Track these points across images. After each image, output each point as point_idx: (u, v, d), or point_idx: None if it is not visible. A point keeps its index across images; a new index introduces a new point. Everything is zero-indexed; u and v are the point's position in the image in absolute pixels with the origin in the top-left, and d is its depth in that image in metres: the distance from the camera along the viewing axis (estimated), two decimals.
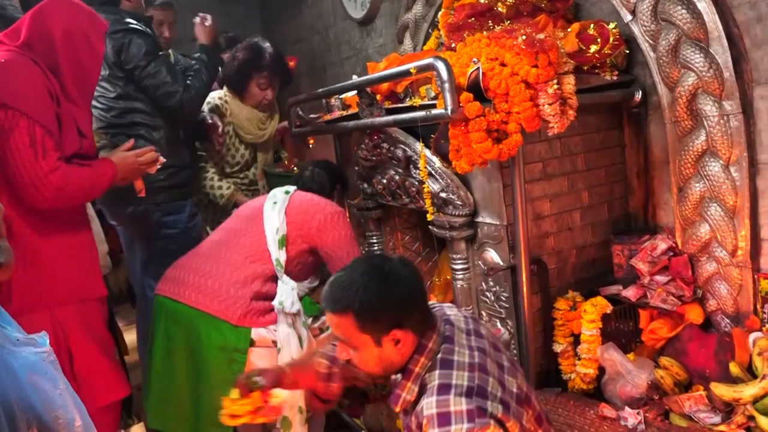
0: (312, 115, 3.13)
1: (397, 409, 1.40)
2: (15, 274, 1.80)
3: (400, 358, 1.38)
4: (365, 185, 2.83)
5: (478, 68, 1.89)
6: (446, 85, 1.86)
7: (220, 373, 1.97)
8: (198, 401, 2.05)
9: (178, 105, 2.67)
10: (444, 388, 1.29)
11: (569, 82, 1.92)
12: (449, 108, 1.87)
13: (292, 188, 2.40)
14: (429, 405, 1.27)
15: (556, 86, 1.87)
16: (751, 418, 1.70)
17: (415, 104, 2.12)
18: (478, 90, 1.91)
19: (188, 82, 2.72)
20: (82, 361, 1.87)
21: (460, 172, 2.01)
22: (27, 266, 1.83)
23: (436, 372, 1.34)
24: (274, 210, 2.20)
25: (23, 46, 1.87)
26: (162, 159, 2.22)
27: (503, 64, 1.89)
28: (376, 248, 2.98)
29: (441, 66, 1.87)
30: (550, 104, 1.87)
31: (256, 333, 2.01)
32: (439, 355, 1.37)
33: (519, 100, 1.86)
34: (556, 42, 1.91)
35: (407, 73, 2.04)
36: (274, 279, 2.15)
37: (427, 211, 2.23)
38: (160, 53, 2.70)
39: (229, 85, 3.27)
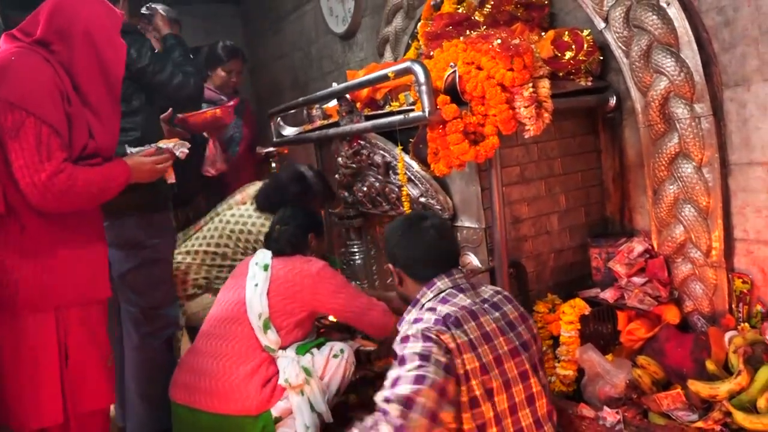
0: (294, 127, 3.15)
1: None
2: (22, 273, 1.78)
3: (408, 293, 1.75)
4: (346, 194, 2.84)
5: (455, 71, 1.92)
6: (423, 88, 1.89)
7: None
8: None
9: (194, 90, 2.60)
10: (416, 320, 1.59)
11: (544, 86, 1.95)
12: (427, 110, 1.89)
13: (268, 258, 2.29)
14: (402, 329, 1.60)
15: (531, 89, 1.90)
16: (728, 414, 1.71)
17: (393, 109, 2.14)
18: (455, 93, 1.94)
19: (188, 69, 2.60)
20: (76, 363, 1.82)
21: (438, 174, 2.03)
22: (37, 266, 1.79)
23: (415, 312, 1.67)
24: (256, 293, 2.15)
25: (37, 42, 1.81)
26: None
27: (479, 68, 1.93)
28: (357, 257, 2.98)
29: (418, 69, 1.90)
30: (525, 107, 1.90)
31: (276, 409, 2.03)
32: (428, 304, 1.65)
33: (495, 103, 1.89)
34: (531, 46, 1.95)
35: (385, 77, 2.07)
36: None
37: None
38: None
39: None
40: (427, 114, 1.89)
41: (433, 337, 1.47)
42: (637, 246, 2.16)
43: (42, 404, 1.76)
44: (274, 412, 2.02)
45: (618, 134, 2.29)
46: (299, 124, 3.14)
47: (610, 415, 1.86)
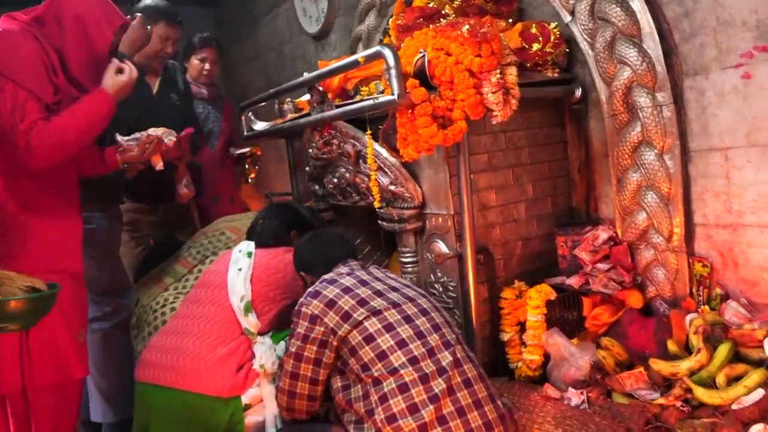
0: (266, 122, 3.15)
1: None
2: None
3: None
4: (316, 186, 2.84)
5: (424, 56, 1.95)
6: (393, 71, 1.91)
7: None
8: None
9: None
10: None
11: (512, 73, 1.99)
12: (396, 93, 1.92)
13: (252, 247, 2.30)
14: None
15: (498, 76, 1.94)
16: (689, 390, 1.74)
17: (363, 96, 2.16)
18: (424, 78, 1.97)
19: None
20: (37, 333, 1.79)
21: (407, 159, 2.05)
22: (3, 232, 1.77)
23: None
24: (239, 277, 2.14)
25: (32, 21, 1.87)
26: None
27: (448, 54, 1.96)
28: None
29: (388, 53, 1.92)
30: (493, 92, 1.93)
31: (247, 395, 2.00)
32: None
33: (463, 88, 1.91)
34: (499, 34, 1.99)
35: (356, 63, 2.09)
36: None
37: (375, 209, 2.27)
38: None
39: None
40: (396, 97, 1.91)
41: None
42: (602, 233, 2.20)
43: (2, 371, 1.73)
44: (245, 398, 1.99)
45: (584, 125, 2.34)
46: (271, 120, 3.14)
47: (574, 396, 1.89)
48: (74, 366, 1.90)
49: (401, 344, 1.62)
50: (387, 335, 1.64)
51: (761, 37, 1.75)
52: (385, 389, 1.55)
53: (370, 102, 2.06)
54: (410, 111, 1.98)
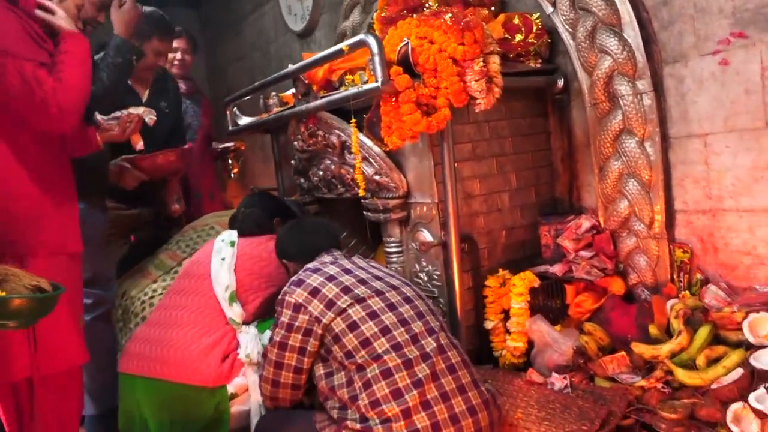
0: (251, 117, 3.15)
1: None
2: None
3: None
4: (302, 180, 2.85)
5: (407, 44, 1.97)
6: (377, 59, 1.92)
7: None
8: None
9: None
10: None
11: (495, 62, 2.00)
12: (380, 80, 1.93)
13: (234, 236, 2.31)
14: None
15: (482, 64, 1.95)
16: (669, 373, 1.76)
17: (347, 85, 2.17)
18: (407, 66, 1.98)
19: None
20: (45, 320, 1.76)
21: (392, 147, 2.06)
22: (1, 213, 1.75)
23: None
24: (223, 267, 2.15)
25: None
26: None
27: (432, 42, 1.97)
28: None
29: (371, 40, 1.93)
30: (476, 80, 1.95)
31: (233, 385, 1.99)
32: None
33: (447, 75, 1.93)
34: (482, 23, 2.01)
35: (340, 52, 2.09)
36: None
37: (361, 200, 2.28)
38: None
39: None
40: (380, 84, 1.92)
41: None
42: (585, 222, 2.22)
43: (11, 358, 1.70)
44: (231, 388, 1.99)
45: (566, 115, 2.37)
46: (256, 116, 3.13)
47: (558, 380, 1.90)
48: (77, 352, 1.87)
49: (385, 331, 1.63)
50: (371, 322, 1.65)
51: (737, 24, 1.78)
52: (369, 375, 1.55)
53: (355, 90, 2.07)
54: (394, 99, 1.99)
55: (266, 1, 4.48)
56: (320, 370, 1.70)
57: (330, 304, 1.67)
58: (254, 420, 1.95)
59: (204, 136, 3.55)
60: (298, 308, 1.70)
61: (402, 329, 1.64)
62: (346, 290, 1.70)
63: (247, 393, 2.01)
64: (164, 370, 1.97)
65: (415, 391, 1.51)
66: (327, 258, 1.89)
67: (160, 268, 2.64)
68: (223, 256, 2.19)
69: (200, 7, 5.72)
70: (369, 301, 1.68)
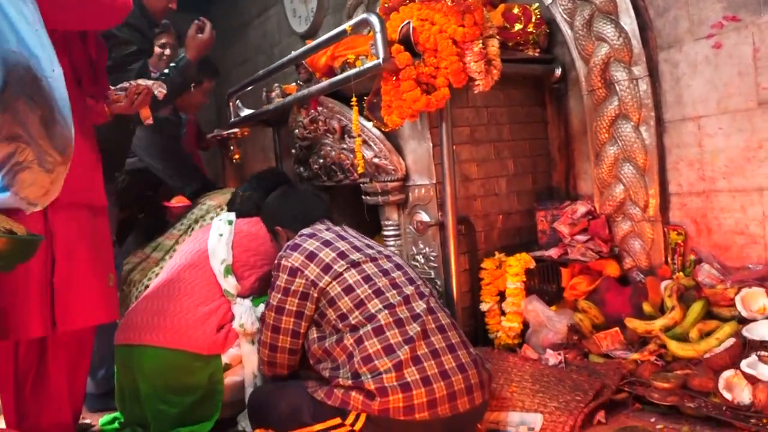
0: (253, 110, 3.19)
1: None
2: None
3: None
4: (302, 169, 2.88)
5: (409, 23, 2.01)
6: (379, 36, 1.97)
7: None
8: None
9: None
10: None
11: (493, 45, 2.05)
12: (381, 57, 1.97)
13: (232, 216, 2.34)
14: None
15: (481, 46, 2.00)
16: (662, 346, 1.78)
17: (349, 63, 2.22)
18: (409, 45, 2.02)
19: None
20: (63, 272, 1.69)
21: (391, 126, 2.09)
22: None
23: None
24: (221, 242, 2.18)
25: None
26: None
27: (432, 23, 2.02)
28: None
29: (374, 19, 1.98)
30: (475, 62, 1.99)
31: (227, 355, 2.01)
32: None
33: (446, 55, 1.97)
34: (481, 6, 2.06)
35: (343, 33, 2.14)
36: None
37: (360, 185, 2.32)
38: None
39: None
40: (381, 61, 1.97)
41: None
42: (581, 207, 2.25)
43: (28, 314, 1.67)
44: (225, 358, 1.99)
45: (563, 105, 2.41)
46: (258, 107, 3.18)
47: (552, 356, 1.91)
48: (101, 310, 1.84)
49: (378, 293, 1.65)
50: (365, 286, 1.67)
51: (729, 7, 1.83)
52: (361, 332, 1.57)
53: (356, 70, 2.11)
54: (395, 78, 2.04)
55: (272, 5, 4.56)
56: (313, 334, 1.71)
57: (327, 269, 1.69)
58: (248, 391, 1.95)
59: (193, 129, 3.59)
60: (294, 272, 1.72)
61: (394, 292, 1.66)
62: (342, 255, 1.72)
63: (240, 364, 2.02)
64: (160, 337, 1.97)
65: (406, 347, 1.52)
66: (321, 225, 1.91)
67: (160, 250, 2.67)
68: (221, 232, 2.21)
69: (207, 12, 5.80)
70: (363, 266, 1.70)
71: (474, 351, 1.65)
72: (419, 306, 1.63)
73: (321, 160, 2.66)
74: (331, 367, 1.61)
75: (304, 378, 1.87)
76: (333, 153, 2.56)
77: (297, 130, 2.75)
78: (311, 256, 1.74)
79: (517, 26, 2.32)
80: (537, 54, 2.36)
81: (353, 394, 1.49)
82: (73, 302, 1.72)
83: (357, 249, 1.77)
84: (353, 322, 1.61)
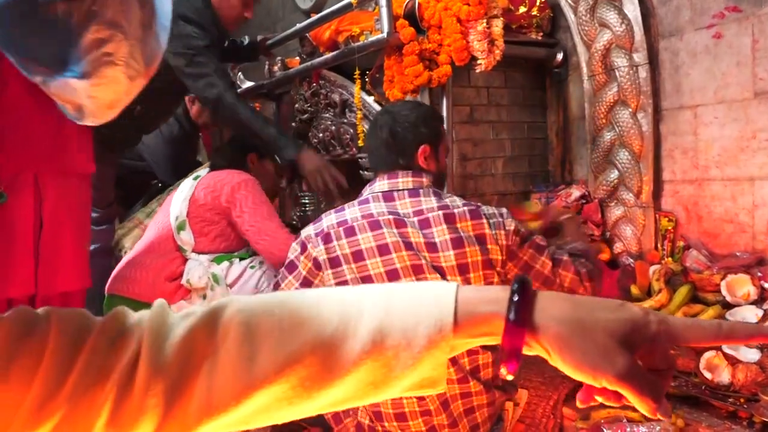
0: (254, 83, 3.20)
1: None
2: (7, 135, 1.69)
3: None
4: (301, 143, 2.89)
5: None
6: (384, 11, 1.98)
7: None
8: None
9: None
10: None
11: (497, 25, 2.07)
12: (386, 31, 1.99)
13: (203, 171, 2.30)
14: None
15: (485, 25, 2.02)
16: None
17: (353, 37, 2.23)
18: (413, 21, 2.04)
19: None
20: (50, 235, 1.72)
21: (392, 100, 2.11)
22: (18, 130, 1.73)
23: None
24: (179, 198, 2.20)
25: None
26: None
27: (438, 0, 2.04)
28: (308, 209, 3.02)
29: None
30: (478, 41, 2.01)
31: (179, 307, 2.04)
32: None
33: (450, 32, 1.99)
34: None
35: (349, 6, 2.15)
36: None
37: (358, 160, 2.33)
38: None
39: None
40: (386, 35, 1.98)
41: (306, 245, 1.44)
42: (575, 191, 2.28)
43: (14, 273, 1.70)
44: (176, 309, 2.02)
45: (563, 89, 2.44)
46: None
47: None
48: (79, 275, 1.88)
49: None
50: None
51: None
52: None
53: (360, 44, 2.13)
54: (398, 53, 2.06)
55: None
56: None
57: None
58: None
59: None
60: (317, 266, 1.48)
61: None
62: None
63: None
64: (123, 287, 2.06)
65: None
66: (384, 185, 1.52)
67: (151, 216, 2.70)
68: (182, 188, 2.22)
69: None
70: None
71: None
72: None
73: (320, 134, 2.68)
74: None
75: None
76: (333, 127, 2.58)
77: (298, 104, 2.77)
78: (337, 263, 1.48)
79: (522, 9, 2.34)
80: (540, 37, 2.37)
81: None
82: (56, 266, 1.76)
83: (385, 252, 1.49)
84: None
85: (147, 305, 1.97)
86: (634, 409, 1.49)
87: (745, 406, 1.45)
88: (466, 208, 1.40)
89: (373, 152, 1.56)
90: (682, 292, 1.83)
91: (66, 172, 1.80)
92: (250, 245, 2.20)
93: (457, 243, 1.35)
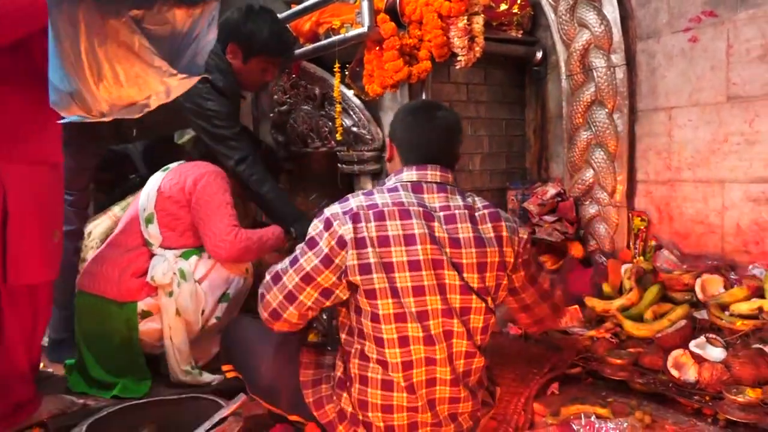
0: None
1: None
2: None
3: (391, 170, 1.57)
4: (279, 134, 2.88)
5: None
6: (365, 4, 1.98)
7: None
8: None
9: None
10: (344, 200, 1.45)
11: (478, 22, 2.07)
12: (367, 26, 1.98)
13: (174, 164, 2.20)
14: None
15: (465, 21, 2.02)
16: (619, 326, 1.85)
17: (334, 30, 2.22)
18: (394, 15, 2.04)
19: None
20: (16, 227, 1.69)
21: (372, 94, 2.11)
22: None
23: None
24: (146, 190, 2.14)
25: None
26: None
27: None
28: None
29: None
30: (459, 37, 2.02)
31: (146, 303, 2.01)
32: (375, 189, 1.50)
33: (431, 28, 1.99)
34: None
35: None
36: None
37: (336, 153, 2.32)
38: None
39: None
40: (366, 29, 1.98)
41: (332, 223, 1.37)
42: (551, 189, 2.31)
43: None
44: (143, 305, 2.01)
45: (541, 88, 2.46)
46: None
47: (513, 330, 1.97)
48: (45, 267, 1.85)
49: None
50: None
51: (709, 3, 1.88)
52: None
53: (341, 36, 2.12)
54: (378, 47, 2.05)
55: None
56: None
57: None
58: (167, 342, 1.98)
59: None
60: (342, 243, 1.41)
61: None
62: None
63: (159, 313, 2.03)
64: (92, 283, 2.02)
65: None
66: (414, 176, 1.48)
67: (122, 207, 2.66)
68: (153, 180, 2.16)
69: None
70: (395, 275, 1.43)
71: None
72: None
73: (299, 126, 2.67)
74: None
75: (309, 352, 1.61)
76: (311, 119, 2.57)
77: (276, 95, 2.75)
78: (362, 245, 1.43)
79: (503, 6, 2.35)
80: (520, 35, 2.39)
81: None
82: (23, 258, 1.72)
83: (412, 243, 1.45)
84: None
85: (114, 303, 1.92)
86: (603, 406, 1.50)
87: (710, 403, 1.48)
88: (486, 210, 1.42)
89: (419, 144, 1.49)
90: (653, 291, 1.86)
91: (31, 161, 1.77)
92: None
93: (479, 242, 1.37)
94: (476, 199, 1.46)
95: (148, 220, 2.07)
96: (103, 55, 1.50)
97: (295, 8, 2.38)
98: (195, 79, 1.61)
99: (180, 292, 1.98)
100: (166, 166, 2.21)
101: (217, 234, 1.97)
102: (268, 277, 1.44)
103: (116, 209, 2.74)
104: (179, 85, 1.59)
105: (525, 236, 1.45)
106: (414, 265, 1.34)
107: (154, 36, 1.49)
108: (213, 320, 2.03)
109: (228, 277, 2.04)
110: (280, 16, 2.50)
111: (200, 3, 1.55)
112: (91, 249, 2.52)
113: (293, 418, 1.51)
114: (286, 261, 1.41)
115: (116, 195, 2.95)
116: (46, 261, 1.84)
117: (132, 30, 1.46)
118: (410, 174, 1.46)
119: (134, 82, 1.54)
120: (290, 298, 1.38)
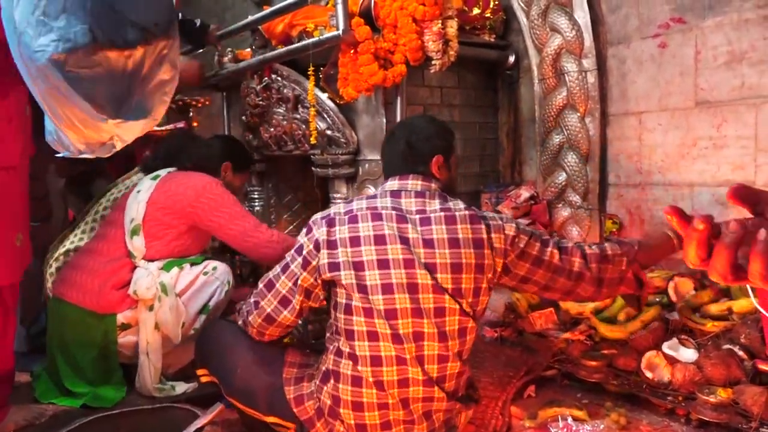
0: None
1: None
2: None
3: None
4: (251, 137, 2.85)
5: None
6: (339, 8, 1.97)
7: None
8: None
9: None
10: None
11: (452, 26, 2.08)
12: (341, 29, 1.97)
13: (165, 172, 2.16)
14: None
15: (440, 26, 2.03)
16: (593, 328, 1.87)
17: (307, 32, 2.20)
18: (369, 19, 2.03)
19: None
20: None
21: (347, 98, 2.10)
22: None
23: None
24: (136, 199, 2.08)
25: None
26: None
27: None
28: (256, 204, 2.98)
29: None
30: (433, 41, 2.02)
31: (125, 316, 1.97)
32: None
33: (406, 32, 1.99)
34: None
35: (303, 1, 2.13)
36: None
37: (310, 156, 2.31)
38: None
39: None
40: (341, 33, 1.97)
41: (312, 228, 1.46)
42: (524, 192, 2.33)
43: None
44: (122, 318, 1.97)
45: (514, 92, 2.48)
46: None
47: (488, 333, 1.98)
48: (8, 270, 1.79)
49: None
50: None
51: (677, 9, 1.92)
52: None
53: (315, 39, 2.10)
54: (353, 51, 2.04)
55: None
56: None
57: None
58: (143, 356, 1.94)
59: None
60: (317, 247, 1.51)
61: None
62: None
63: (138, 326, 2.00)
64: (69, 292, 1.98)
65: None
66: (395, 185, 1.56)
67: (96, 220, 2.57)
68: (140, 189, 2.11)
69: None
70: (366, 273, 1.50)
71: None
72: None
73: (272, 129, 2.64)
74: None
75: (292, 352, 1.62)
76: (285, 122, 2.55)
77: (249, 97, 2.71)
78: (333, 245, 1.53)
79: (476, 10, 2.36)
80: (493, 39, 2.40)
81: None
82: None
83: (382, 243, 1.50)
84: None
85: (92, 314, 1.90)
86: (579, 408, 1.52)
87: (683, 403, 1.51)
88: (467, 212, 1.45)
89: (390, 161, 1.62)
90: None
91: None
92: (204, 250, 2.19)
93: (454, 243, 1.40)
94: (459, 203, 1.49)
95: (134, 232, 2.03)
96: (51, 100, 1.50)
97: (268, 10, 2.36)
98: (142, 122, 1.59)
99: (160, 306, 1.96)
100: (155, 174, 2.14)
101: (246, 230, 2.02)
102: (261, 285, 1.52)
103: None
104: (127, 128, 1.58)
105: (511, 233, 1.46)
106: (383, 264, 1.39)
107: (86, 78, 1.46)
108: (191, 332, 2.00)
109: (210, 290, 2.02)
110: (251, 17, 2.49)
111: (139, 43, 1.52)
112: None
113: (270, 419, 1.51)
114: (278, 268, 1.50)
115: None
116: (9, 264, 1.78)
117: (55, 75, 1.43)
118: (392, 183, 1.55)
119: (85, 124, 1.53)
120: (284, 302, 1.47)
